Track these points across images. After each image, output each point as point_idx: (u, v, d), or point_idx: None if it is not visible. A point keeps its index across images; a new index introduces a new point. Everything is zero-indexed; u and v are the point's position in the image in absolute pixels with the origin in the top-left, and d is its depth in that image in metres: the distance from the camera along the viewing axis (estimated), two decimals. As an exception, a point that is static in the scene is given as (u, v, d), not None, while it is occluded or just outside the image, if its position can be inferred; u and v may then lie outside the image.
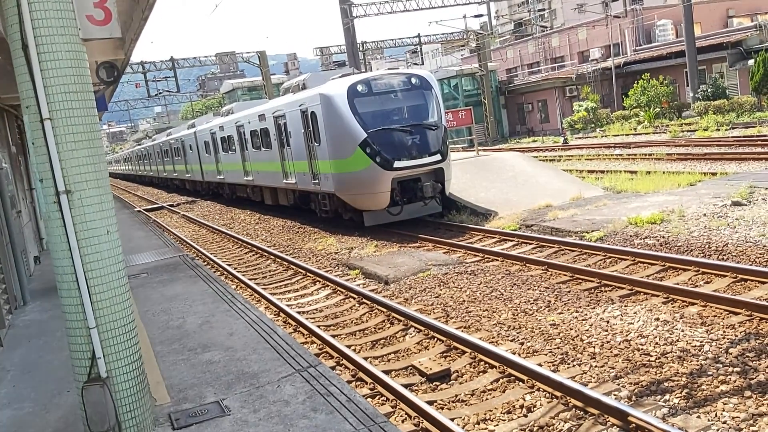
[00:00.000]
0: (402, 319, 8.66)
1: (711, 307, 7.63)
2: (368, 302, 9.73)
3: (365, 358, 7.40)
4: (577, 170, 21.99)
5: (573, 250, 11.33)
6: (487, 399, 6.21)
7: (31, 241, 13.64)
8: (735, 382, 5.82)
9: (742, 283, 8.40)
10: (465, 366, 6.96)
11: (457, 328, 7.95)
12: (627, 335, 7.18)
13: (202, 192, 33.18)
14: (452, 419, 5.69)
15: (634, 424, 5.13)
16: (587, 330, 7.50)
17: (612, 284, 9.08)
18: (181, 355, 6.81)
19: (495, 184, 17.35)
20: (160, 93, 47.52)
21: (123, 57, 10.42)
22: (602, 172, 21.38)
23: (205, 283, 10.32)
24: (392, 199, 14.91)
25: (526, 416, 5.74)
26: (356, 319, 9.29)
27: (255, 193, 23.65)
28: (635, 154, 24.91)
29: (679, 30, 39.48)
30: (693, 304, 7.84)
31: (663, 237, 11.23)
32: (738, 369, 6.02)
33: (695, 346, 6.67)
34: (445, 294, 9.74)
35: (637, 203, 14.01)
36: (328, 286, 11.21)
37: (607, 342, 7.09)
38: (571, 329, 7.59)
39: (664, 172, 18.72)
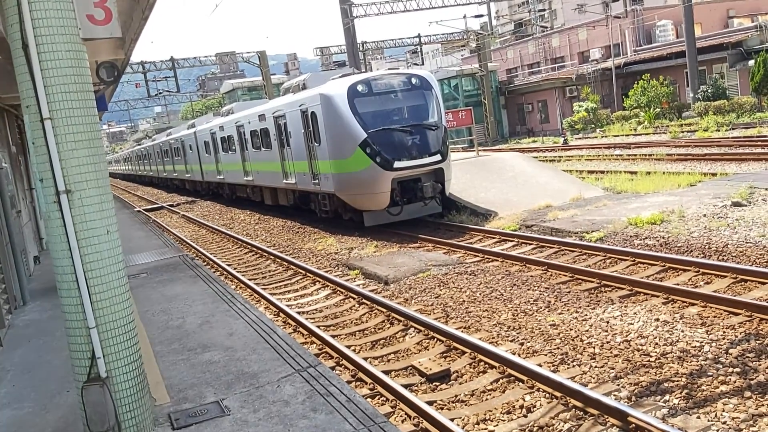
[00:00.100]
0: (402, 319, 8.66)
1: (711, 307, 7.63)
2: (368, 302, 9.72)
3: (365, 359, 7.39)
4: (577, 171, 22.00)
5: (573, 251, 11.33)
6: (486, 399, 6.21)
7: (31, 241, 13.64)
8: (735, 382, 5.82)
9: (742, 283, 8.40)
10: (465, 366, 6.96)
11: (457, 329, 7.95)
12: (627, 336, 7.18)
13: (202, 192, 33.18)
14: (452, 419, 5.68)
15: (633, 425, 5.12)
16: (587, 330, 7.50)
17: (612, 285, 9.07)
18: (181, 355, 6.81)
19: (495, 185, 17.35)
20: (160, 93, 47.51)
21: (123, 57, 10.42)
22: (602, 172, 21.39)
23: (204, 283, 10.32)
24: (392, 199, 14.91)
25: (525, 416, 5.74)
26: (356, 320, 9.29)
27: (255, 194, 23.65)
28: (635, 155, 24.92)
29: (680, 30, 39.49)
30: (693, 304, 7.84)
31: (663, 237, 11.23)
32: (738, 369, 6.02)
33: (695, 346, 6.67)
34: (445, 294, 9.74)
35: (637, 204, 14.01)
36: (327, 286, 11.21)
37: (607, 342, 7.09)
38: (571, 330, 7.59)
39: (664, 173, 18.73)
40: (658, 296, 8.29)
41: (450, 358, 7.29)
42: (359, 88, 14.89)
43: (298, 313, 9.62)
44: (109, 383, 4.59)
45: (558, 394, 5.89)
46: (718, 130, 28.54)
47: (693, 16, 34.44)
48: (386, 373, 6.93)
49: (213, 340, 7.15)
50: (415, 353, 7.62)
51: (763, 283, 8.18)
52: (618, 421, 5.30)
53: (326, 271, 12.26)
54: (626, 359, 6.59)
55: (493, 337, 7.70)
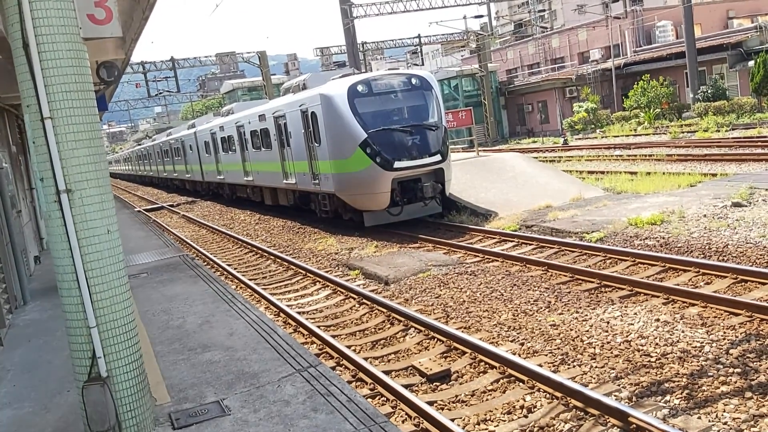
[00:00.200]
0: (402, 319, 8.66)
1: (711, 308, 7.63)
2: (368, 302, 9.72)
3: (365, 359, 7.39)
4: (577, 171, 22.00)
5: (573, 251, 11.32)
6: (487, 399, 6.20)
7: (31, 240, 13.63)
8: (736, 383, 5.81)
9: (743, 284, 8.40)
10: (465, 366, 6.96)
11: (457, 329, 7.94)
12: (627, 336, 7.18)
13: (202, 192, 33.18)
14: (452, 419, 5.68)
15: (634, 425, 5.12)
16: (587, 331, 7.50)
17: (612, 285, 9.07)
18: (182, 354, 6.81)
19: (495, 185, 17.35)
20: (160, 93, 47.50)
21: (123, 57, 10.41)
22: (602, 172, 21.39)
23: (205, 283, 10.32)
24: (392, 199, 14.91)
25: (526, 417, 5.74)
26: (356, 320, 9.29)
27: (255, 194, 23.65)
28: (635, 155, 24.92)
29: (679, 31, 39.50)
30: (693, 304, 7.84)
31: (663, 238, 11.23)
32: (738, 370, 6.02)
33: (695, 346, 6.66)
34: (445, 294, 9.74)
35: (637, 204, 14.01)
36: (328, 286, 11.21)
37: (608, 343, 7.08)
38: (571, 330, 7.59)
39: (664, 173, 18.73)
40: (658, 296, 8.29)
41: (450, 358, 7.29)
42: (359, 88, 14.90)
43: (299, 313, 9.61)
44: (110, 383, 4.59)
45: (558, 395, 5.89)
46: (718, 131, 28.55)
47: (693, 16, 34.45)
48: (387, 373, 6.93)
49: (213, 340, 7.15)
50: (416, 353, 7.62)
51: (764, 284, 8.18)
52: (619, 422, 5.30)
53: (326, 271, 12.26)
54: (627, 359, 6.59)
55: (494, 338, 7.70)
